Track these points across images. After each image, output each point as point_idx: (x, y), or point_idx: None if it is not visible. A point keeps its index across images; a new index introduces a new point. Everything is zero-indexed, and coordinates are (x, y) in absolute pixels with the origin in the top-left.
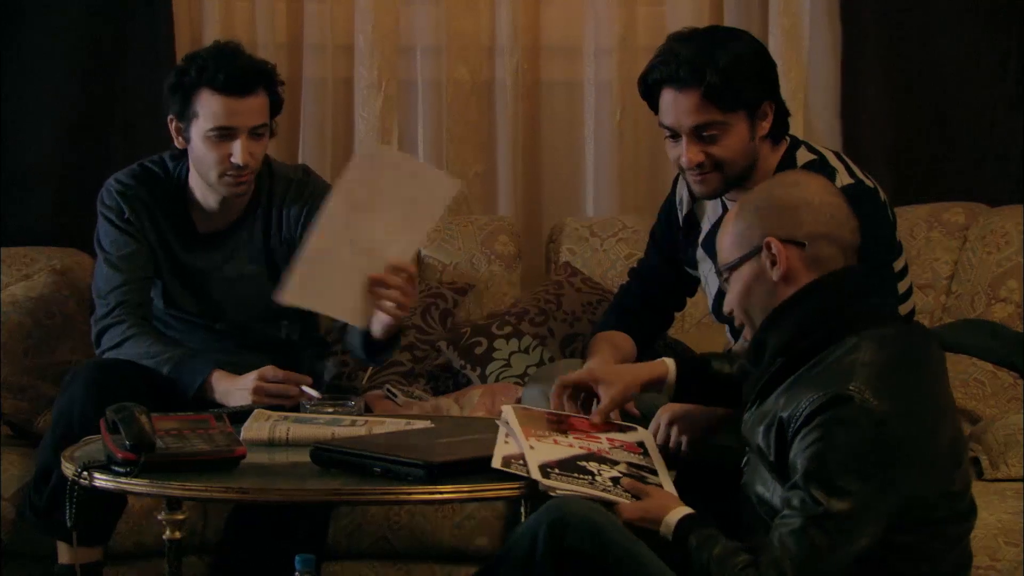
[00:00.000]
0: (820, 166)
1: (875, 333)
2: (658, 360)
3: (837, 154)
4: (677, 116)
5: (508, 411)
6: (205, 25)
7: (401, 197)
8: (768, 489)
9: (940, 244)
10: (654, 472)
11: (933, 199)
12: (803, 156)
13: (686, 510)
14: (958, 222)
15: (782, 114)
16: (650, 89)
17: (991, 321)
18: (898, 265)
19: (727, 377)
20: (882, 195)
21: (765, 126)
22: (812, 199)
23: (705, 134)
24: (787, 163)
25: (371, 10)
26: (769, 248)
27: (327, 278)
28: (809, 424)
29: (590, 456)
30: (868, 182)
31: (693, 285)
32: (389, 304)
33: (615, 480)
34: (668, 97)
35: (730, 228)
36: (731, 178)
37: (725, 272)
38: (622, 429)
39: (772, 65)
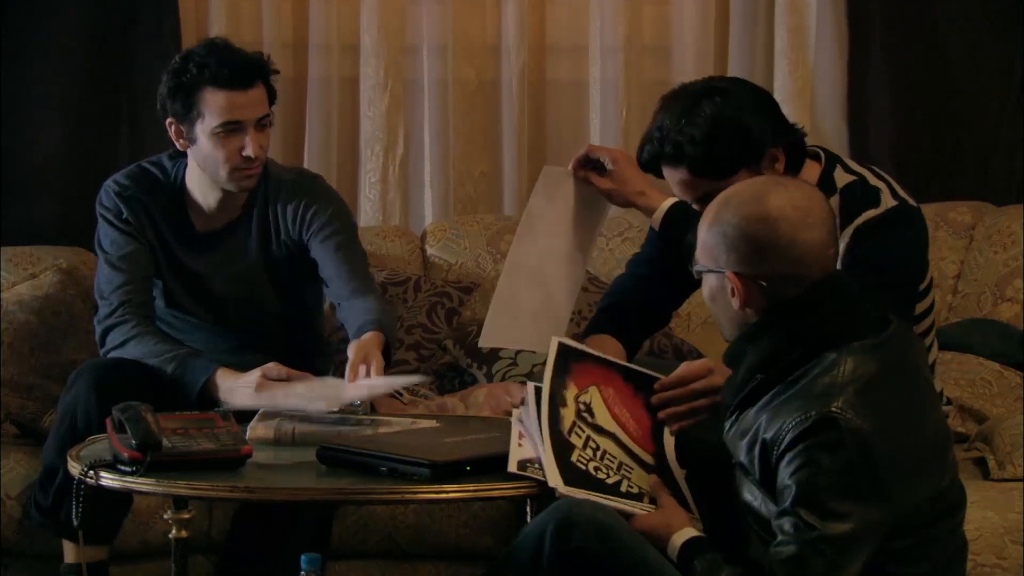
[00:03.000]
0: (861, 188)
1: (856, 347)
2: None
3: (877, 172)
4: (681, 192)
5: (530, 390)
6: (211, 25)
7: (571, 221)
8: (755, 498)
9: (946, 243)
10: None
11: (939, 198)
12: (841, 178)
13: (693, 532)
14: (964, 221)
15: (796, 146)
16: (646, 166)
17: (997, 320)
18: (923, 284)
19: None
20: (922, 214)
21: (779, 168)
22: (780, 240)
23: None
24: (825, 185)
25: (377, 9)
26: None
27: (514, 316)
28: (794, 448)
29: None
30: (911, 202)
31: (691, 279)
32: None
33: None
34: (666, 173)
35: (704, 229)
36: None
37: (695, 269)
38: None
39: (765, 111)
